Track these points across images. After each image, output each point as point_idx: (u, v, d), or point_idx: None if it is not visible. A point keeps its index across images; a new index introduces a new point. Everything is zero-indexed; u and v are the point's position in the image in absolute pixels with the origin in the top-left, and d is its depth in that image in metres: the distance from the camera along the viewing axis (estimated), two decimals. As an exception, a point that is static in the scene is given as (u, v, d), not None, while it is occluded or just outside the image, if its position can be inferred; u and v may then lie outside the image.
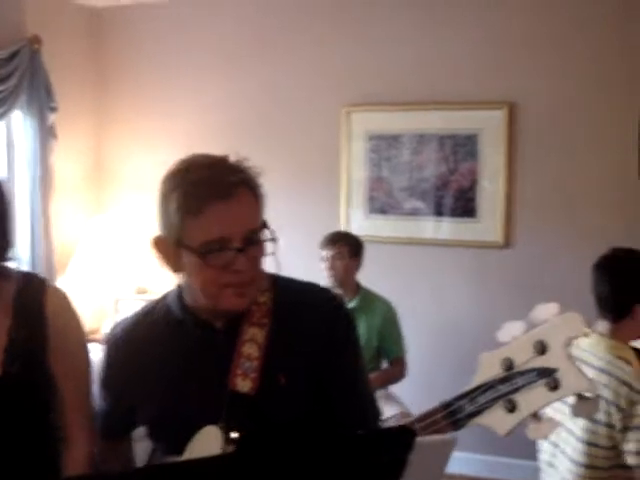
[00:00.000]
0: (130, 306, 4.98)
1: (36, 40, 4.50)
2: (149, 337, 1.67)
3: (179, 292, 1.67)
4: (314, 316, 1.64)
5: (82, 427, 1.77)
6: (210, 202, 1.49)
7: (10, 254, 1.72)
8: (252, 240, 1.52)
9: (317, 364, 1.61)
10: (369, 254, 4.05)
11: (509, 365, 1.19)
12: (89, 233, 4.93)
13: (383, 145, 4.58)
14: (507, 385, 1.20)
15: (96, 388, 1.80)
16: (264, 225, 1.57)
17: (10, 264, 1.75)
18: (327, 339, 1.63)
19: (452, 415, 1.22)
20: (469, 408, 1.22)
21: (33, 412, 1.71)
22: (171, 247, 1.55)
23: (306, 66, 4.73)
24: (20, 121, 4.61)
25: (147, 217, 5.03)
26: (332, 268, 3.84)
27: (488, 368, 1.21)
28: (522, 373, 1.19)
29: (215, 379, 1.57)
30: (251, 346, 1.59)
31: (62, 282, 4.81)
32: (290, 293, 1.69)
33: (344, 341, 1.68)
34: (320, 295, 1.73)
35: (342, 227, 4.63)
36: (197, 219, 1.50)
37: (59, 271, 4.77)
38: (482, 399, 1.22)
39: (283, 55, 4.77)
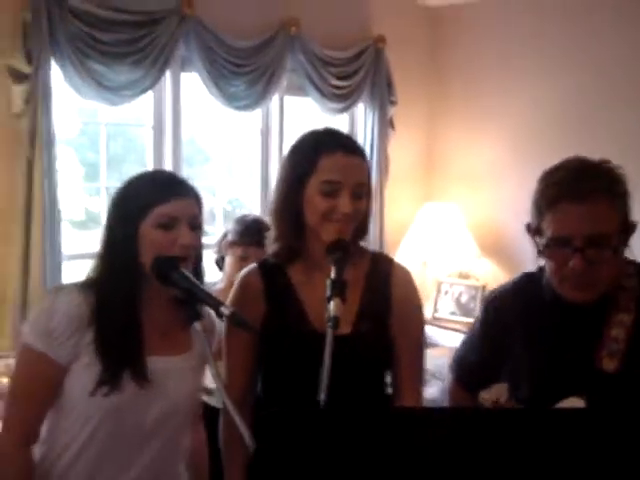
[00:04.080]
0: (451, 289, 5.27)
1: (381, 39, 4.91)
2: (525, 311, 1.89)
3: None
4: None
5: (412, 384, 2.04)
6: (562, 201, 1.67)
7: (364, 237, 2.07)
8: (596, 243, 1.66)
9: None
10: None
11: None
12: (419, 218, 5.27)
13: None
14: None
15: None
16: (622, 231, 1.71)
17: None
18: None
19: None
20: None
21: (374, 366, 2.01)
22: (533, 233, 1.78)
23: (636, 61, 4.56)
24: (362, 113, 5.07)
25: (472, 207, 5.26)
26: None
27: None
28: None
29: (579, 357, 1.75)
30: (618, 329, 1.74)
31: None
32: None
33: None
34: None
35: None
36: (549, 214, 1.70)
37: (389, 251, 5.16)
38: None
39: (613, 52, 4.63)
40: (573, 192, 1.66)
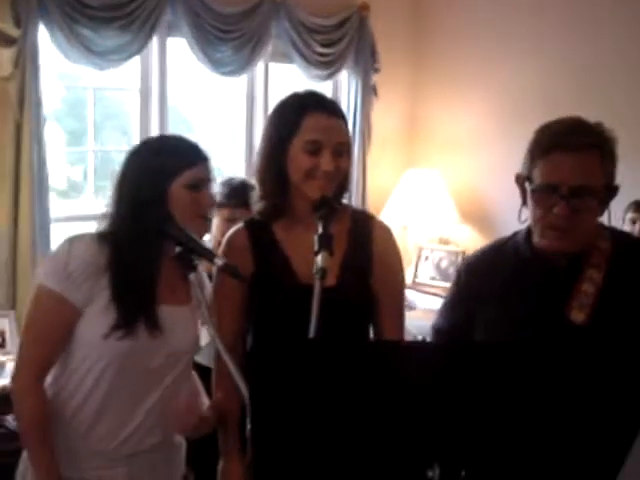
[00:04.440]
0: (431, 255, 5.37)
1: (365, 7, 4.96)
2: (496, 270, 1.99)
3: (528, 232, 1.96)
4: None
5: (396, 331, 2.15)
6: (554, 151, 1.77)
7: (345, 194, 2.18)
8: (581, 194, 1.76)
9: None
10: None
11: None
12: (401, 184, 5.36)
13: None
14: None
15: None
16: (606, 189, 1.81)
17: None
18: None
19: None
20: None
21: (357, 317, 2.12)
22: (522, 182, 1.88)
23: (617, 34, 4.62)
24: (346, 80, 5.14)
25: (454, 174, 5.35)
26: None
27: None
28: None
29: (552, 310, 1.85)
30: (588, 284, 1.85)
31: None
32: (630, 245, 1.94)
33: None
34: None
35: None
36: (541, 162, 1.80)
37: (371, 217, 5.24)
38: None
39: (595, 25, 4.71)
40: (566, 143, 1.77)
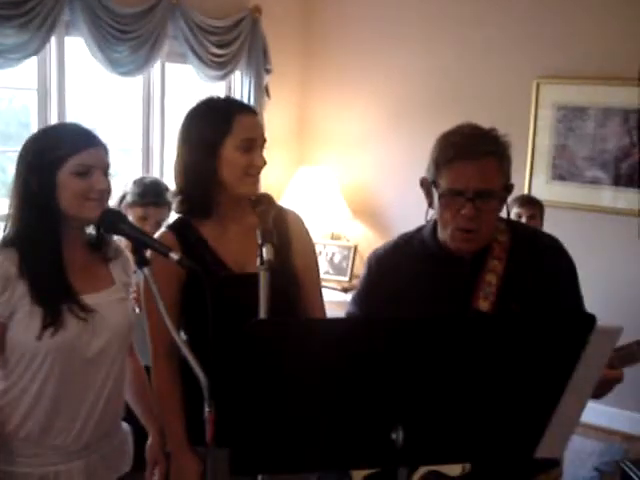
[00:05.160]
0: (324, 250, 5.56)
1: (257, 10, 5.09)
2: (405, 262, 2.15)
3: (434, 228, 2.13)
4: (546, 256, 2.09)
5: (319, 309, 2.33)
6: (457, 160, 1.96)
7: None
8: (483, 195, 1.95)
9: (548, 293, 2.04)
10: (548, 219, 4.34)
11: None
12: (294, 182, 5.52)
13: (569, 116, 4.81)
14: None
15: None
16: (504, 189, 2.03)
17: None
18: (557, 276, 2.08)
19: None
20: None
21: (287, 298, 2.19)
22: (428, 186, 2.06)
23: (500, 40, 4.97)
24: (239, 81, 5.24)
25: (345, 171, 5.55)
26: None
27: None
28: None
29: (460, 301, 2.03)
30: (491, 275, 2.04)
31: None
32: (525, 236, 2.15)
33: (569, 277, 2.13)
34: (550, 241, 2.17)
35: (525, 192, 4.91)
36: (446, 170, 1.97)
37: (265, 215, 5.37)
38: None
39: (479, 29, 5.03)
40: (467, 153, 1.96)
